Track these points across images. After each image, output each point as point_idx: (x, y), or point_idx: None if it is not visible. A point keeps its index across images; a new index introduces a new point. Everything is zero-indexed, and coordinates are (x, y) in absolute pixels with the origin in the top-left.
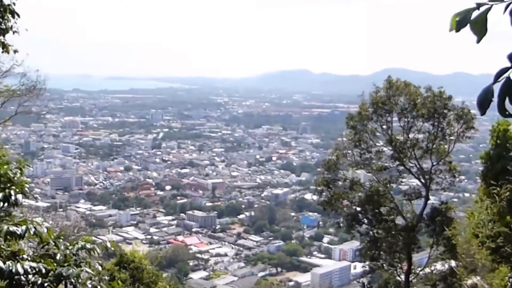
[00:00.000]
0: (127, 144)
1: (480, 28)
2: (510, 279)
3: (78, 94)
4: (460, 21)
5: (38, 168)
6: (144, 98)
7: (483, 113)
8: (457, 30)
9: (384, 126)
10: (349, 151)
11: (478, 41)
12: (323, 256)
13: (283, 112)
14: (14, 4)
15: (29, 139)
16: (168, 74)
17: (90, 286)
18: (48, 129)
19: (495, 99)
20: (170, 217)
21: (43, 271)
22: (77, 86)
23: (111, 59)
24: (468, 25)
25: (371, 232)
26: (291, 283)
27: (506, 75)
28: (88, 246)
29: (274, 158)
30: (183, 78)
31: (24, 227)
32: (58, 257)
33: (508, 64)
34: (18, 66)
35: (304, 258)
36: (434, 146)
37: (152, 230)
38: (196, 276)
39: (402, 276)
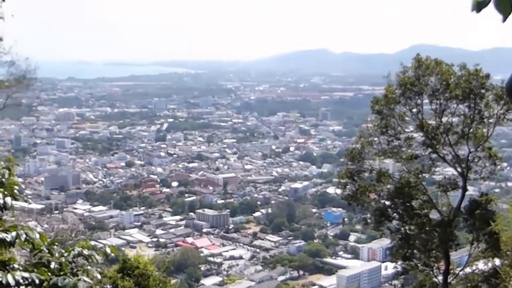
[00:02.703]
0: (128, 137)
1: (504, 7)
2: None
3: (73, 83)
4: (481, 1)
5: (30, 166)
6: (146, 85)
7: None
8: (478, 11)
9: (414, 110)
10: (375, 139)
11: (504, 20)
12: (349, 256)
13: (300, 97)
14: None
15: (20, 134)
16: (172, 58)
17: None
18: (41, 122)
19: None
20: (177, 217)
21: (37, 281)
22: (72, 74)
23: (109, 44)
24: (492, 4)
25: (402, 229)
26: (315, 287)
27: None
28: (85, 252)
29: (291, 149)
30: (189, 62)
31: (14, 233)
32: (52, 265)
33: None
34: (6, 54)
35: (328, 259)
36: (471, 130)
37: (158, 231)
38: (208, 282)
39: (440, 277)
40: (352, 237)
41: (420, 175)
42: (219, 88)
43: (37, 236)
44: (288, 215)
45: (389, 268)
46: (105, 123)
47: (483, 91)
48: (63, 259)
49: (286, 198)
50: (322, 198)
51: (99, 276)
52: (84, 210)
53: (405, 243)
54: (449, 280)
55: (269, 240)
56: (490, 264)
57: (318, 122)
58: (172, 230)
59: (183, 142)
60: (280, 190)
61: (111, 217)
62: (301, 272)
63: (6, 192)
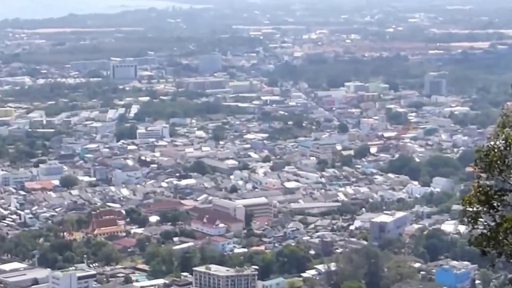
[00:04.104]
0: (66, 131)
1: None
2: None
3: None
4: None
5: None
6: (96, 33)
7: None
8: None
9: None
10: None
11: None
12: None
13: (389, 52)
14: None
15: None
16: None
17: None
18: None
19: None
20: (160, 281)
21: None
22: None
23: None
24: None
25: None
26: None
27: None
28: None
29: (372, 150)
30: None
31: None
32: None
33: None
34: None
35: None
36: None
37: None
38: None
39: None
40: None
41: None
42: (235, 37)
43: None
44: (368, 274)
45: None
46: (21, 106)
47: None
48: None
49: (364, 242)
50: (432, 242)
51: None
52: None
53: None
54: None
55: None
56: None
57: (423, 99)
58: None
59: (168, 141)
60: (352, 227)
61: (36, 282)
62: None
63: None
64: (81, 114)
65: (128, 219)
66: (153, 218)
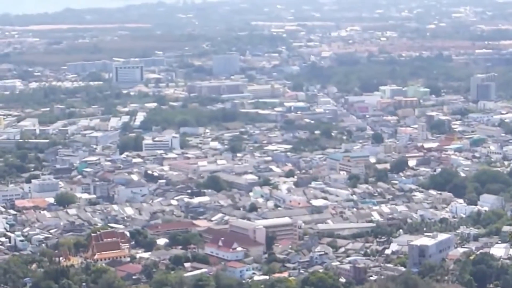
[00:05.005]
0: (62, 142)
1: None
2: None
3: None
4: None
5: None
6: (96, 30)
7: None
8: None
9: None
10: None
11: None
12: None
13: (429, 52)
14: None
15: None
16: None
17: None
18: None
19: None
20: None
21: None
22: None
23: None
24: None
25: None
26: None
27: None
28: None
29: (411, 163)
30: None
31: None
32: None
33: None
34: None
35: None
36: None
37: None
38: None
39: None
40: None
41: None
42: (254, 35)
43: None
44: None
45: None
46: (12, 114)
47: None
48: None
49: (402, 268)
50: (480, 268)
51: None
52: None
53: None
54: None
55: None
56: None
57: (469, 105)
58: None
59: (179, 153)
60: (388, 251)
61: None
62: None
63: None
64: (79, 123)
65: (132, 242)
66: (161, 241)
